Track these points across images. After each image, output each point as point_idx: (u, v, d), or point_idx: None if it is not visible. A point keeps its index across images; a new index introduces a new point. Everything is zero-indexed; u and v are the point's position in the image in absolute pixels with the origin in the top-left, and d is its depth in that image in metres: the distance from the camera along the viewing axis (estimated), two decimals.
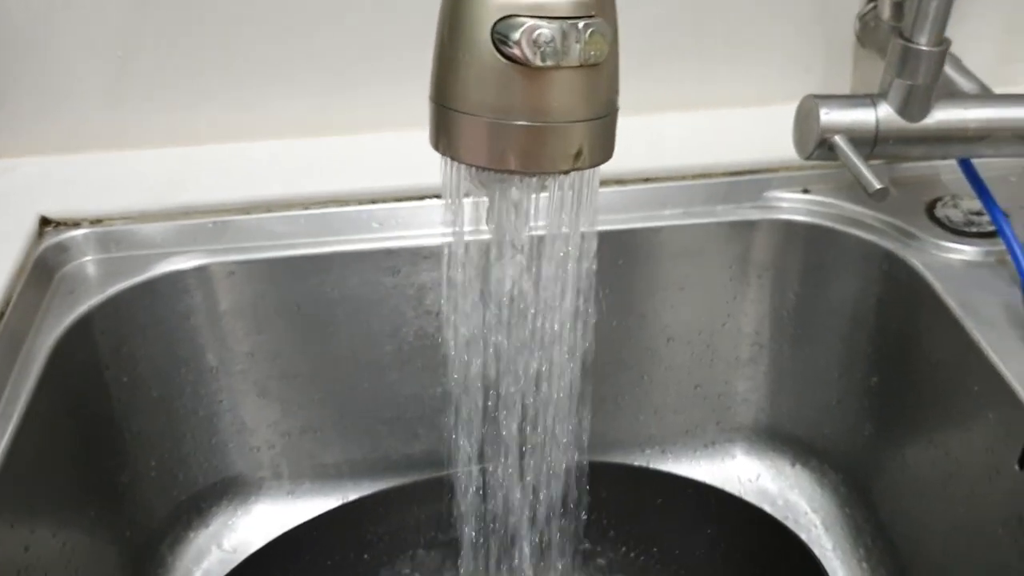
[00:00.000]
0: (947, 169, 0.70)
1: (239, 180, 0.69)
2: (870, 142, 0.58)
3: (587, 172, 0.41)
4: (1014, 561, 0.54)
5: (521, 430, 0.61)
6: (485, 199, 0.42)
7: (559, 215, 0.43)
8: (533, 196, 0.42)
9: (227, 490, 0.76)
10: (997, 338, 0.57)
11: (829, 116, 0.57)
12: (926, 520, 0.65)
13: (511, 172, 0.38)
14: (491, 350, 0.59)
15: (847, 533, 0.73)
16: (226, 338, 0.70)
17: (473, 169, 0.38)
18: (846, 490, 0.75)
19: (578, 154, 0.38)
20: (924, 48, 0.55)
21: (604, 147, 0.39)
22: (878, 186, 0.53)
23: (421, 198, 0.67)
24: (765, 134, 0.70)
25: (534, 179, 0.40)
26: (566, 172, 0.39)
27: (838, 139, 0.57)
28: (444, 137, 0.38)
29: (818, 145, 0.57)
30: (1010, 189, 0.68)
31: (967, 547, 0.60)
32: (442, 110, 0.37)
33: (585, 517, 0.62)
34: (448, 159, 0.39)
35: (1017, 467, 0.54)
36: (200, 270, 0.66)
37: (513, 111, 0.36)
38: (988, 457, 0.57)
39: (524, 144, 0.37)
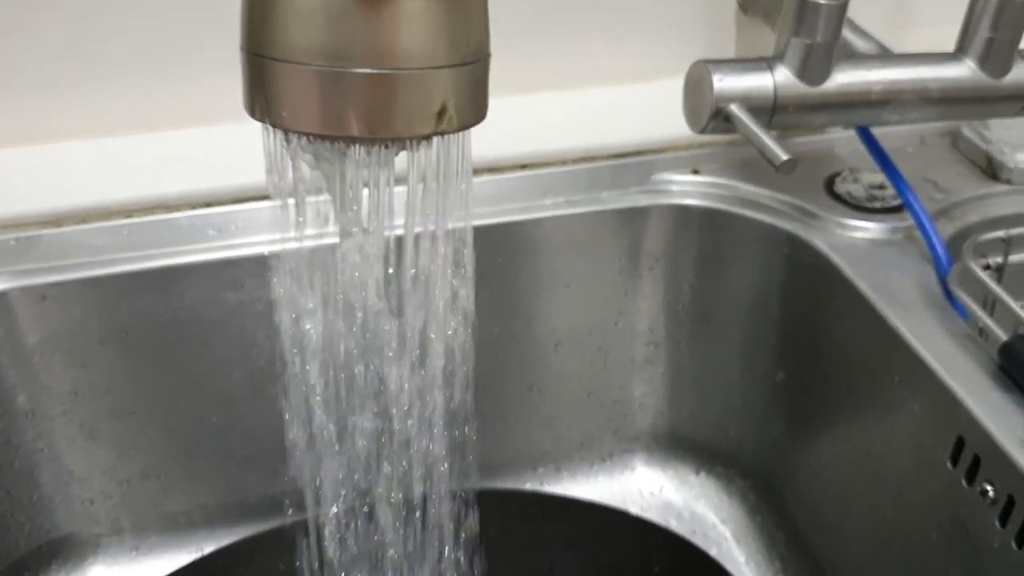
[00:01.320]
0: (841, 142, 0.65)
1: (46, 187, 0.58)
2: (768, 110, 0.52)
3: (456, 139, 0.32)
4: (953, 568, 0.48)
5: (391, 460, 0.53)
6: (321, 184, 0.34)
7: (422, 197, 0.35)
8: (388, 175, 0.33)
9: (56, 553, 0.65)
10: (915, 321, 0.52)
11: (723, 83, 0.51)
12: (848, 526, 0.59)
13: (353, 140, 0.29)
14: (350, 371, 0.52)
15: (760, 544, 0.67)
16: (40, 375, 0.59)
17: (303, 139, 0.30)
18: (756, 497, 0.69)
19: (442, 112, 0.29)
20: (822, 1, 0.49)
21: (475, 103, 0.31)
22: (784, 157, 0.47)
23: (264, 198, 0.58)
24: (648, 112, 0.64)
25: (385, 148, 0.31)
26: (427, 137, 0.31)
27: (734, 108, 0.50)
28: (261, 97, 0.29)
29: (713, 116, 0.51)
30: (909, 161, 0.63)
31: (897, 554, 0.54)
32: (256, 61, 0.28)
33: (472, 555, 0.55)
34: (269, 126, 0.30)
35: (950, 464, 0.48)
36: (1, 297, 0.55)
37: (352, 55, 0.27)
38: (916, 454, 0.51)
39: (369, 99, 0.28)
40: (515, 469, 0.71)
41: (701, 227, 0.62)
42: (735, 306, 0.64)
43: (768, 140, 0.48)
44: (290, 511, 0.63)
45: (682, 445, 0.72)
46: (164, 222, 0.58)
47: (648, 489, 0.71)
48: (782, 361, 0.63)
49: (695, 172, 0.63)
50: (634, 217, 0.62)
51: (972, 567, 0.47)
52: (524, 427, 0.70)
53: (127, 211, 0.57)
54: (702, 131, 0.52)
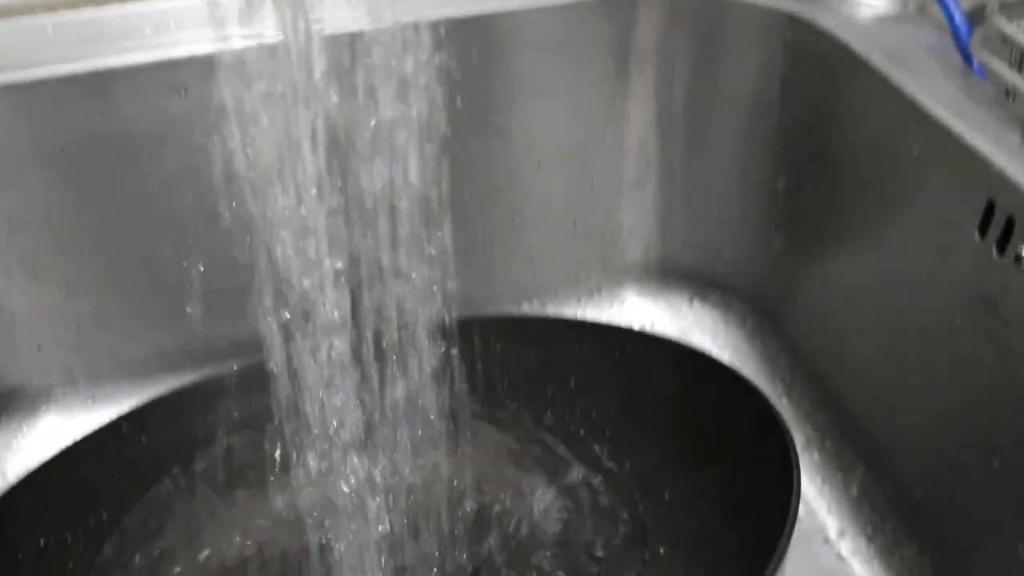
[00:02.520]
0: None
1: None
2: None
3: None
4: (982, 350, 0.44)
5: (365, 293, 0.48)
6: None
7: None
8: None
9: (5, 406, 0.60)
10: (934, 88, 0.47)
11: None
12: (856, 341, 0.55)
13: None
14: (312, 190, 0.47)
15: (761, 369, 0.63)
16: None
17: None
18: (754, 322, 0.64)
19: None
20: None
21: None
22: None
23: None
24: None
25: None
26: None
27: None
28: None
29: None
30: None
31: (914, 356, 0.50)
32: None
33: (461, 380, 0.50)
34: None
35: (978, 236, 0.44)
36: None
37: None
38: (938, 234, 0.47)
39: None
40: (498, 304, 0.66)
41: (694, 17, 0.56)
42: (732, 108, 0.59)
43: None
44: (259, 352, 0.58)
45: (675, 274, 0.67)
46: (93, 19, 0.51)
47: (640, 322, 0.67)
48: (783, 166, 0.58)
49: None
50: (620, 7, 0.56)
51: (1004, 343, 0.43)
52: (506, 260, 0.65)
53: (50, 5, 0.51)
54: None
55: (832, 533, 0.54)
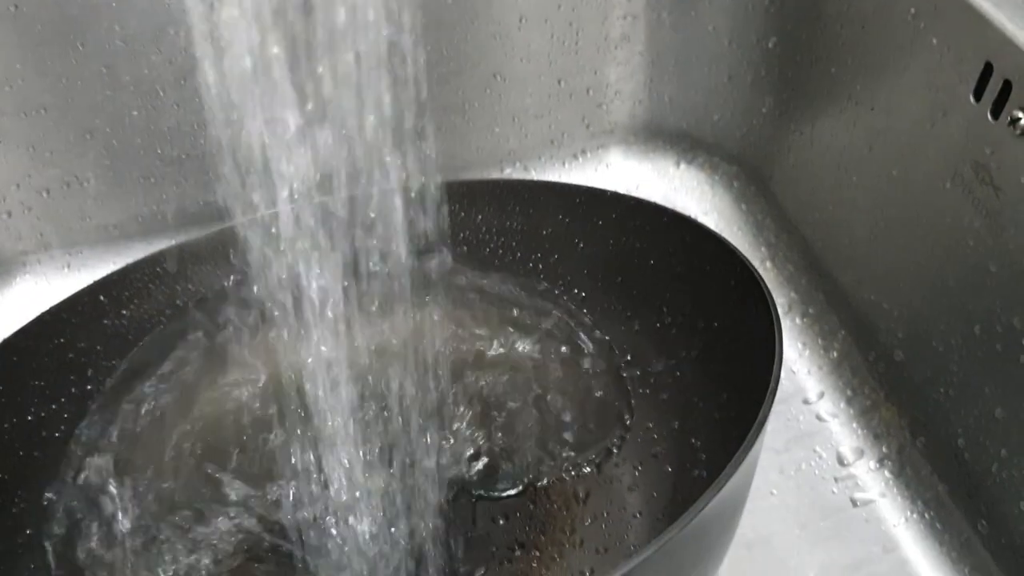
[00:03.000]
0: None
1: None
2: None
3: None
4: (971, 218, 0.44)
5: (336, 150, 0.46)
6: None
7: None
8: None
9: None
10: None
11: None
12: (841, 200, 0.54)
13: None
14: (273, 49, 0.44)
15: (746, 233, 0.62)
16: None
17: None
18: (741, 184, 0.63)
19: None
20: None
21: None
22: None
23: None
24: None
25: None
26: None
27: None
28: None
29: None
30: None
31: (902, 221, 0.49)
32: None
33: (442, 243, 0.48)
34: None
35: (972, 99, 0.42)
36: None
37: None
38: (931, 96, 0.45)
39: None
40: (480, 169, 0.65)
41: None
42: None
43: None
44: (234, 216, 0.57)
45: (661, 135, 0.66)
46: None
47: (625, 185, 0.66)
48: (775, 24, 0.56)
49: None
50: None
51: (993, 209, 0.42)
52: (488, 122, 0.63)
53: None
54: None
55: (812, 395, 0.55)
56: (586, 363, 0.51)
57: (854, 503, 0.50)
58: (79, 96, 0.55)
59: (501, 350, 0.53)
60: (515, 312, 0.52)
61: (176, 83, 0.55)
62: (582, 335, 0.52)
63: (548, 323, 0.52)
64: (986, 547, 0.46)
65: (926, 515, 0.49)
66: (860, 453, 0.52)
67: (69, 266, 0.61)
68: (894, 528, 0.49)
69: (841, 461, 0.52)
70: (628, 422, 0.48)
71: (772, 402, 0.36)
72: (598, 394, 0.49)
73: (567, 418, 0.49)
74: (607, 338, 0.51)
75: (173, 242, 0.56)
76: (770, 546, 0.48)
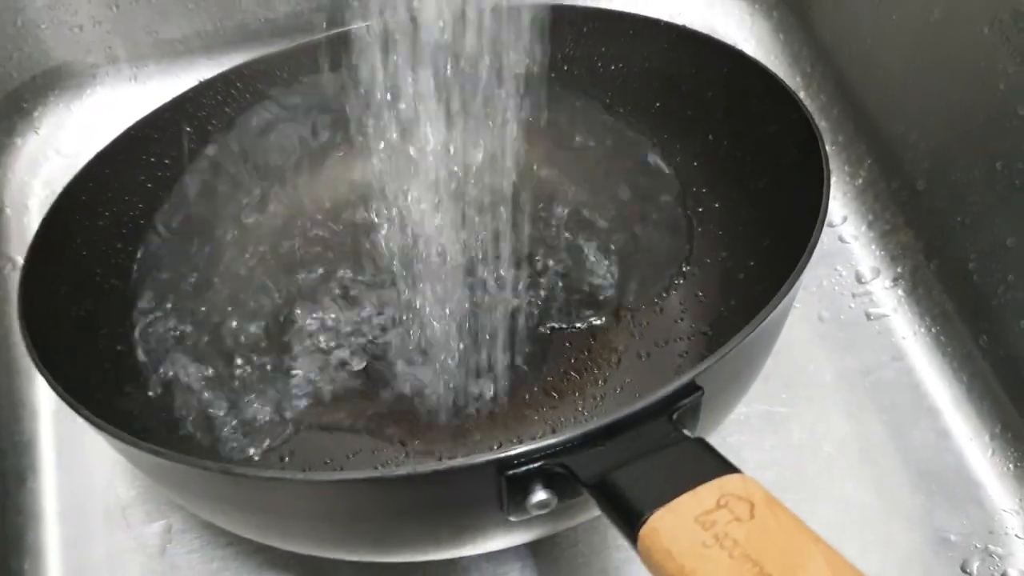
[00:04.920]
0: None
1: None
2: None
3: None
4: (1005, 62, 0.47)
5: None
6: None
7: None
8: None
9: (52, 84, 0.62)
10: None
11: None
12: (878, 33, 0.57)
13: None
14: None
15: (783, 61, 0.65)
16: None
17: None
18: (780, 13, 0.66)
19: None
20: None
21: None
22: None
23: None
24: None
25: None
26: None
27: None
28: None
29: None
30: None
31: (934, 56, 0.52)
32: None
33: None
34: None
35: None
36: None
37: None
38: None
39: None
40: None
41: None
42: None
43: None
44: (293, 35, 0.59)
45: None
46: None
47: (667, 11, 0.68)
48: None
49: None
50: None
51: None
52: None
53: None
54: None
55: (836, 219, 0.59)
56: (652, 195, 0.55)
57: (868, 317, 0.56)
58: None
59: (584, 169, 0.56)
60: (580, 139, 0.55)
61: None
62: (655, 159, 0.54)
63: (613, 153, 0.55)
64: (985, 359, 0.52)
65: (932, 329, 0.54)
66: (877, 272, 0.57)
67: (135, 79, 0.64)
68: (903, 340, 0.55)
69: (859, 279, 0.57)
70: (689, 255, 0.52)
71: (817, 241, 0.40)
72: (661, 229, 0.53)
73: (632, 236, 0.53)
74: (674, 166, 0.54)
75: (239, 60, 0.59)
76: (791, 353, 0.54)
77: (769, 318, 0.35)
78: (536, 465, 0.31)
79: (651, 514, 0.27)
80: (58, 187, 0.50)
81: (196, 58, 0.63)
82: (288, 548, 0.40)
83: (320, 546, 0.39)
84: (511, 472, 0.31)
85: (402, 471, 0.32)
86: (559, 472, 0.32)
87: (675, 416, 0.32)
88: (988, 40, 0.48)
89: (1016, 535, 0.48)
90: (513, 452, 0.31)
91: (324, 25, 0.52)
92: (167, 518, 0.50)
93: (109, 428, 0.35)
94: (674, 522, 0.26)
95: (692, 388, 0.33)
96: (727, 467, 0.28)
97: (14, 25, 0.58)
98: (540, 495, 0.32)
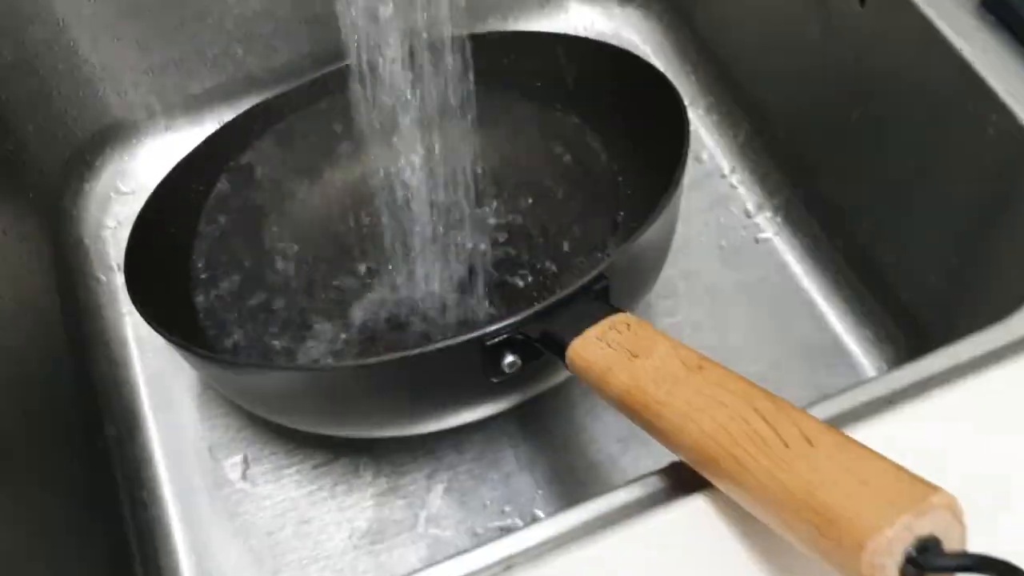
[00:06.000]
0: None
1: None
2: None
3: None
4: (816, 32, 0.64)
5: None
6: None
7: None
8: None
9: (108, 138, 0.79)
10: None
11: None
12: (743, 26, 0.74)
13: None
14: None
15: (675, 53, 0.82)
16: None
17: None
18: (670, 17, 0.83)
19: None
20: None
21: None
22: None
23: None
24: None
25: None
26: None
27: None
28: None
29: None
30: None
31: (783, 37, 0.70)
32: None
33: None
34: None
35: None
36: None
37: None
38: None
39: None
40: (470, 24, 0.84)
41: None
42: None
43: None
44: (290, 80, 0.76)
45: None
46: None
47: (582, 24, 0.85)
48: None
49: None
50: None
51: (833, 26, 0.63)
52: None
53: None
54: None
55: (726, 170, 0.77)
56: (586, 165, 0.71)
57: (756, 241, 0.73)
58: (169, 2, 0.74)
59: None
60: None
61: None
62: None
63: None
64: (845, 260, 0.69)
65: (804, 244, 0.72)
66: (760, 207, 0.74)
67: (170, 128, 0.80)
68: (783, 255, 0.72)
69: (747, 214, 0.74)
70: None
71: (684, 166, 0.56)
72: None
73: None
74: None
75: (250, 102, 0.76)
76: (699, 274, 0.71)
77: (650, 228, 0.52)
78: (505, 336, 0.48)
79: (571, 341, 0.44)
80: (123, 219, 0.67)
81: (216, 107, 0.80)
82: (334, 431, 0.57)
83: (356, 424, 0.56)
84: (488, 343, 0.48)
85: (418, 350, 0.48)
86: (519, 339, 0.49)
87: (592, 296, 0.49)
88: (814, 16, 0.65)
89: None
90: (489, 329, 0.48)
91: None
92: (243, 451, 0.66)
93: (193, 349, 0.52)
94: (583, 342, 0.43)
95: (600, 278, 0.50)
96: (616, 309, 0.45)
97: (77, 95, 0.75)
98: (509, 358, 0.49)
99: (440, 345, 0.48)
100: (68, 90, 0.74)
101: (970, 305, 0.56)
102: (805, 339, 0.69)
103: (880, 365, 0.67)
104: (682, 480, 0.39)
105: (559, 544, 0.38)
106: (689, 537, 0.37)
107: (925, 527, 0.29)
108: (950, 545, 0.29)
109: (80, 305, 0.71)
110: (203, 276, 0.67)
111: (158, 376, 0.69)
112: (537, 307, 0.48)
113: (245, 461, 0.66)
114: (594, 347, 0.43)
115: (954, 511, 0.29)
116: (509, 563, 0.38)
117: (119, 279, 0.73)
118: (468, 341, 0.48)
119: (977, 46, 0.52)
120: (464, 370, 0.50)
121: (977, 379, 0.40)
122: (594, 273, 0.50)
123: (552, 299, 0.48)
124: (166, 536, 0.62)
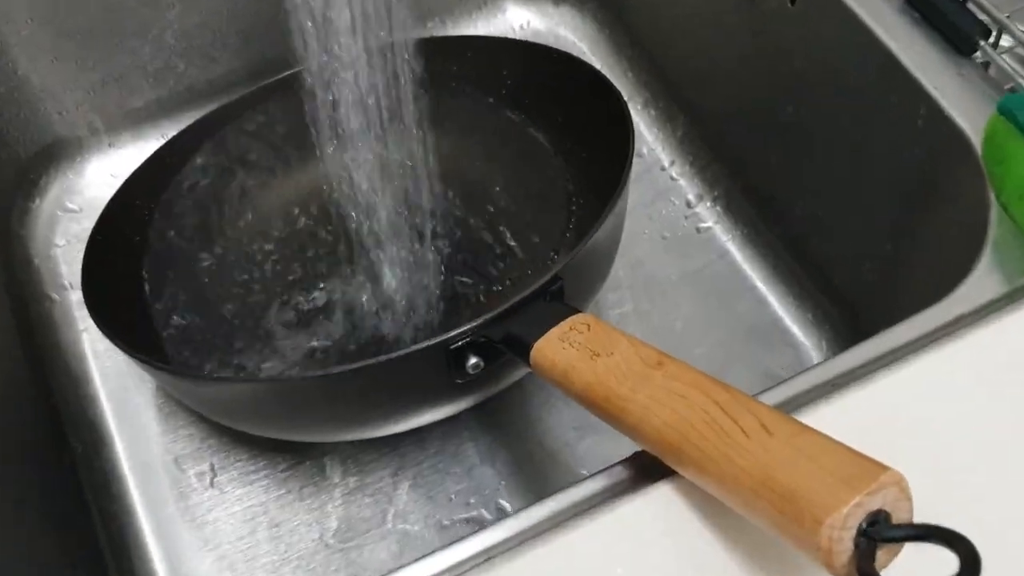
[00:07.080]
0: None
1: None
2: None
3: None
4: (746, 35, 0.67)
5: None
6: None
7: None
8: None
9: (52, 157, 0.79)
10: None
11: None
12: (672, 22, 0.77)
13: None
14: None
15: (610, 51, 0.85)
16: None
17: None
18: (602, 15, 0.85)
19: None
20: None
21: None
22: None
23: None
24: None
25: None
26: None
27: None
28: None
29: None
30: None
31: (709, 36, 0.72)
32: None
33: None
34: None
35: None
36: None
37: None
38: None
39: None
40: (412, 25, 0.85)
41: None
42: None
43: None
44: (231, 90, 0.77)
45: None
46: None
47: (518, 23, 0.87)
48: None
49: None
50: None
51: (759, 29, 0.65)
52: None
53: None
54: None
55: (666, 163, 0.79)
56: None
57: (698, 231, 0.76)
58: (104, 22, 0.74)
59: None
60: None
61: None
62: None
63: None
64: (782, 245, 0.72)
65: (743, 231, 0.75)
66: (700, 198, 0.77)
67: (113, 145, 0.80)
68: (725, 243, 0.75)
69: (688, 205, 0.77)
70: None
71: (630, 167, 0.59)
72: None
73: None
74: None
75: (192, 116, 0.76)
76: (646, 264, 0.74)
77: (601, 228, 0.54)
78: (468, 339, 0.50)
79: (534, 342, 0.46)
80: (72, 237, 0.67)
81: (159, 121, 0.80)
82: (302, 438, 0.59)
83: (324, 431, 0.58)
84: (452, 347, 0.50)
85: (384, 357, 0.50)
86: (483, 341, 0.50)
87: (548, 297, 0.51)
88: (744, 14, 0.68)
89: (815, 361, 0.69)
90: (452, 334, 0.50)
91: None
92: (209, 460, 0.67)
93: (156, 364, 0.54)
94: (546, 343, 0.45)
95: (556, 279, 0.52)
96: (575, 310, 0.48)
97: (19, 116, 0.75)
98: (473, 360, 0.51)
99: (405, 352, 0.50)
100: (9, 111, 0.74)
101: (904, 289, 0.59)
102: (748, 321, 0.72)
103: (819, 343, 0.70)
104: (646, 468, 0.41)
105: (535, 534, 0.40)
106: (658, 523, 0.40)
107: (876, 502, 0.32)
108: (899, 517, 0.32)
109: (35, 324, 0.71)
110: (158, 290, 0.67)
111: (120, 390, 0.70)
112: (499, 310, 0.50)
113: (212, 469, 0.67)
114: (556, 347, 0.45)
115: (902, 487, 0.32)
116: (488, 555, 0.40)
117: (73, 296, 0.73)
118: (433, 346, 0.50)
119: (903, 42, 0.55)
120: (429, 374, 0.52)
121: (917, 360, 0.43)
122: (550, 274, 0.52)
123: (512, 301, 0.50)
124: (140, 547, 0.63)
